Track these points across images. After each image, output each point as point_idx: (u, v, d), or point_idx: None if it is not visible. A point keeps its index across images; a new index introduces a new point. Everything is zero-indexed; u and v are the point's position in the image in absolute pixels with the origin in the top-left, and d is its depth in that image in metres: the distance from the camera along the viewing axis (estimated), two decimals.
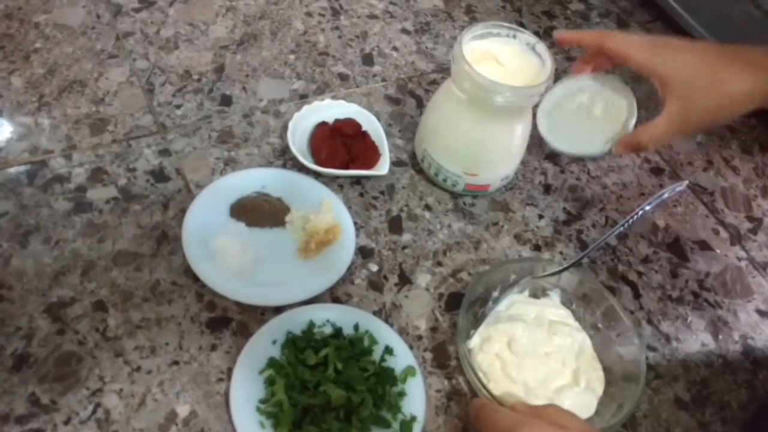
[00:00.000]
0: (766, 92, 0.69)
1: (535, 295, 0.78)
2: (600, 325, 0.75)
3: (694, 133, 0.74)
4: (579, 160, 0.94)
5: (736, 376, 0.78)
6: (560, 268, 0.75)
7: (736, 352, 0.80)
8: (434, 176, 0.86)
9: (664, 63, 0.70)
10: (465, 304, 0.71)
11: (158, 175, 0.81)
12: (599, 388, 0.71)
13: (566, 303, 0.77)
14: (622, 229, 0.76)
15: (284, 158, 0.85)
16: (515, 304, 0.76)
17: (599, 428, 0.67)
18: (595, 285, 0.76)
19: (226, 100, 0.91)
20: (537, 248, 0.84)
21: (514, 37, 0.80)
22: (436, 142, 0.84)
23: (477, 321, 0.73)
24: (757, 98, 0.70)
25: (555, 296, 0.78)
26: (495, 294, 0.75)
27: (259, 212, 0.79)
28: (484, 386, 0.67)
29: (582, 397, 0.69)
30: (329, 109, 0.89)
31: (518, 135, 0.83)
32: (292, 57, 0.98)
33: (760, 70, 0.68)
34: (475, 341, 0.71)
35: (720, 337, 0.81)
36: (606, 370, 0.73)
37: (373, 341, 0.70)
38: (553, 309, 0.76)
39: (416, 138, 0.88)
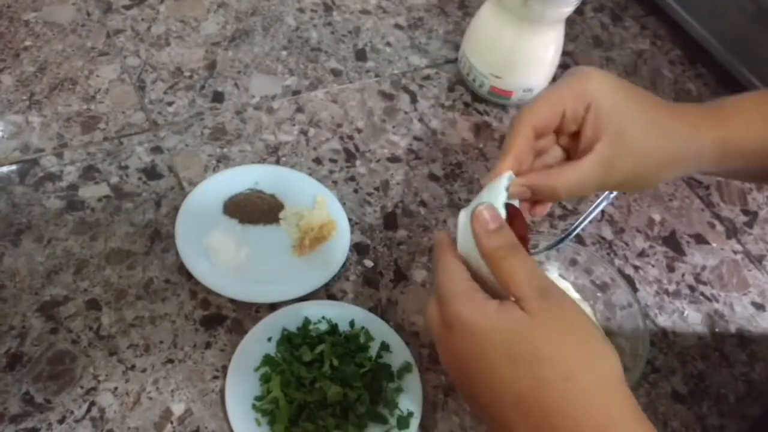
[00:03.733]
0: (700, 153, 0.58)
1: None
2: (599, 294, 0.76)
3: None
4: None
5: (733, 369, 0.78)
6: (556, 240, 0.75)
7: (732, 345, 0.80)
8: (466, 76, 0.97)
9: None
10: None
11: (150, 173, 0.80)
12: None
13: (565, 276, 0.78)
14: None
15: (277, 155, 0.85)
16: None
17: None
18: (590, 255, 0.77)
19: (218, 97, 0.90)
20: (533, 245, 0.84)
21: None
22: (471, 42, 0.95)
23: None
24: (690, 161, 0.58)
25: (554, 270, 0.78)
26: None
27: (252, 209, 0.78)
28: None
29: None
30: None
31: (544, 47, 0.92)
32: (284, 53, 0.98)
33: (698, 128, 0.57)
34: None
35: (716, 330, 0.81)
36: (611, 336, 0.73)
37: (369, 338, 0.70)
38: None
39: (462, 40, 0.99)
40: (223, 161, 0.83)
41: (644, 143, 0.55)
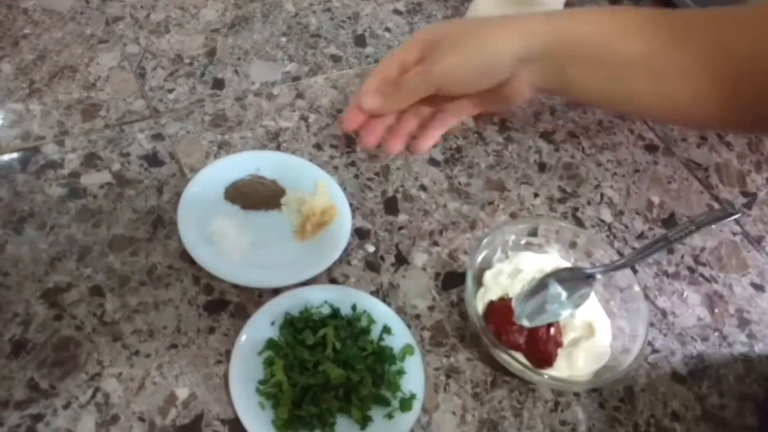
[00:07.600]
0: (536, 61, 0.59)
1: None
2: (599, 276, 0.75)
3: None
4: (574, 137, 0.94)
5: (732, 349, 0.79)
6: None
7: (732, 325, 0.81)
8: None
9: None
10: (471, 267, 0.72)
11: (152, 160, 0.80)
12: (608, 335, 0.73)
13: (565, 257, 0.78)
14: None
15: (278, 141, 0.85)
16: (516, 258, 0.76)
17: (615, 374, 0.68)
18: (589, 237, 0.78)
19: (219, 84, 0.90)
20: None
21: None
22: None
23: (481, 283, 0.74)
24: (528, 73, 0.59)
25: (554, 252, 0.79)
26: (497, 256, 0.76)
27: (254, 195, 0.78)
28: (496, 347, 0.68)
29: (596, 346, 0.71)
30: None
31: None
32: (283, 39, 0.98)
33: (528, 35, 0.58)
34: (480, 300, 0.72)
35: (716, 311, 0.81)
36: (611, 317, 0.74)
37: (371, 321, 0.70)
38: (554, 263, 0.77)
39: None
40: (224, 147, 0.83)
41: (472, 55, 0.59)
